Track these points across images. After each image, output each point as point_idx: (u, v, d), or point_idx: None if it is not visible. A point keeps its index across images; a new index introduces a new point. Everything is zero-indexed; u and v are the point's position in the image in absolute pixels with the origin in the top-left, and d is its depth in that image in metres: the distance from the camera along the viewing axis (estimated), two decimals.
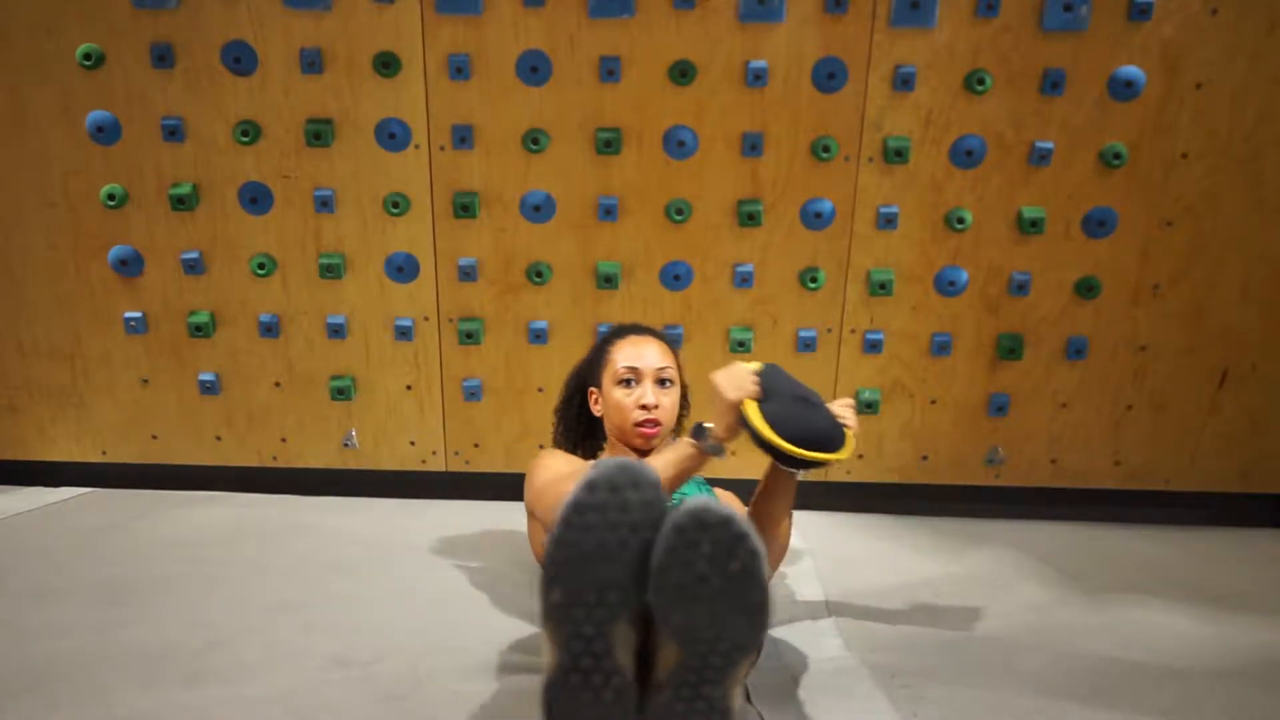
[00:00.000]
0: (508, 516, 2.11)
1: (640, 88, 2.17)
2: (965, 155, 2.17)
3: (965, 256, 2.26)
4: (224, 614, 1.56)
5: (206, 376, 2.38)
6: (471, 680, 1.30)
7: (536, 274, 2.29)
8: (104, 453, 2.48)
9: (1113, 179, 2.19)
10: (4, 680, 1.28)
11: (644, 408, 1.64)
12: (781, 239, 2.27)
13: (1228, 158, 2.17)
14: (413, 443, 2.44)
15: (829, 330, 2.33)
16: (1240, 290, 2.26)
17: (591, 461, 1.80)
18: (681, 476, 1.43)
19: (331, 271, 2.28)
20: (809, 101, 2.17)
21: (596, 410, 1.77)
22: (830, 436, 1.41)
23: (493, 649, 1.43)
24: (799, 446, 1.37)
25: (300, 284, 2.32)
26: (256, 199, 2.25)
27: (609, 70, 2.14)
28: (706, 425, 1.42)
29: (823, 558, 2.02)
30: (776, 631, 1.58)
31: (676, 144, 2.19)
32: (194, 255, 2.29)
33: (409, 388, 2.40)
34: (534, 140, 2.19)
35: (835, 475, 2.41)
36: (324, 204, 2.24)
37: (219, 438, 2.45)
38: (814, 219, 2.23)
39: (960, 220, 2.21)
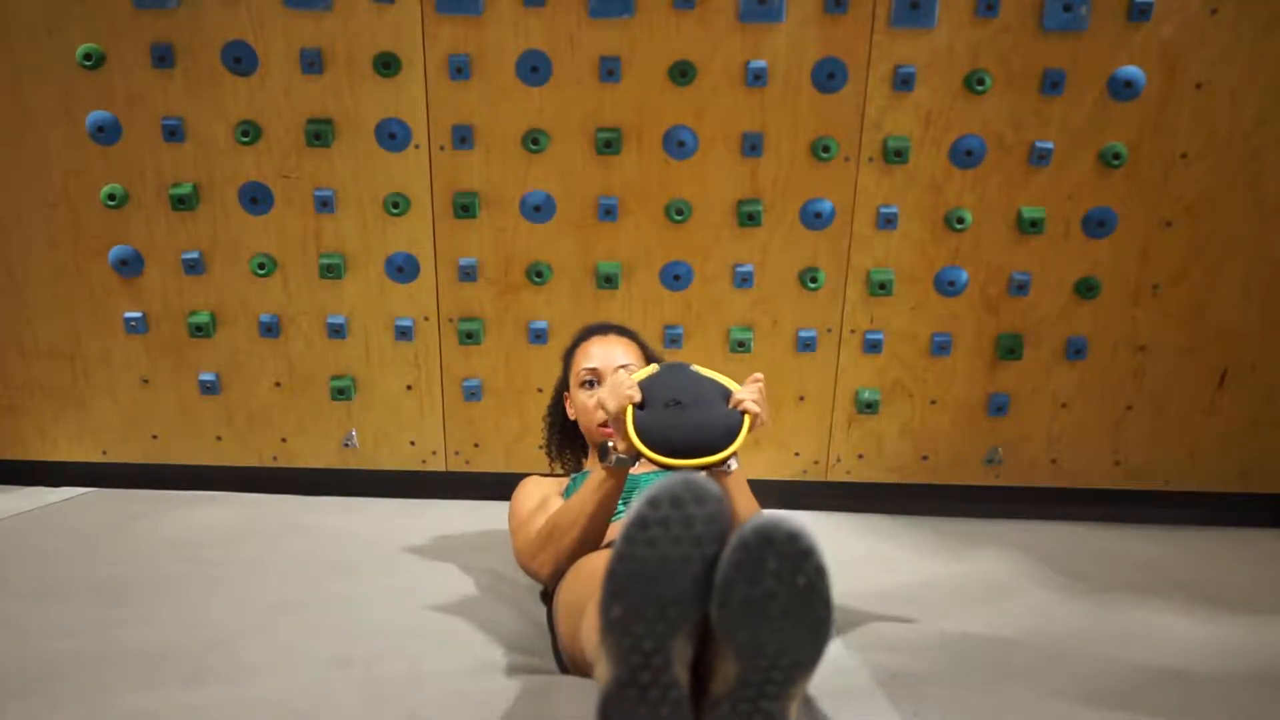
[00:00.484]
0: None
1: (640, 88, 2.17)
2: (965, 155, 2.17)
3: (965, 256, 2.26)
4: (224, 614, 1.56)
5: (207, 376, 2.38)
6: (471, 680, 1.30)
7: (536, 274, 2.29)
8: (104, 453, 2.48)
9: (1113, 179, 2.19)
10: (4, 680, 1.28)
11: (601, 446, 1.65)
12: (781, 239, 2.27)
13: (1228, 158, 2.17)
14: (413, 443, 2.44)
15: (829, 330, 2.33)
16: (1240, 290, 2.26)
17: (563, 480, 1.82)
18: (604, 502, 1.45)
19: (332, 271, 2.28)
20: (809, 101, 2.17)
21: (571, 414, 1.79)
22: (701, 441, 1.37)
23: (493, 649, 1.43)
24: (665, 454, 1.35)
25: (300, 284, 2.32)
26: (257, 199, 2.25)
27: (609, 70, 2.14)
28: (611, 443, 1.44)
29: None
30: None
31: (676, 144, 2.19)
32: (194, 255, 2.29)
33: (409, 388, 2.40)
34: (534, 140, 2.19)
35: (835, 475, 2.41)
36: (324, 204, 2.24)
37: (219, 438, 2.45)
38: (814, 219, 2.23)
39: (960, 220, 2.21)
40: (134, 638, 1.44)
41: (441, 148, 2.22)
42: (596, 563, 1.33)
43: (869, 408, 2.36)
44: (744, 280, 2.28)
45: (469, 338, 2.33)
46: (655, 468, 1.62)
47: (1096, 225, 2.21)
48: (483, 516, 2.20)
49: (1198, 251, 2.24)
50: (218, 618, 1.54)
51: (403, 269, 2.29)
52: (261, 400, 2.42)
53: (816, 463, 2.42)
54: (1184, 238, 2.23)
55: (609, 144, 2.18)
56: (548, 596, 1.58)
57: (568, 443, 1.89)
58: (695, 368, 1.49)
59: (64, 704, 1.22)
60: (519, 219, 2.26)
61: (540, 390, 2.38)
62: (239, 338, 2.37)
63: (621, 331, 1.80)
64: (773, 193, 2.23)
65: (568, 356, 1.81)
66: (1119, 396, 2.35)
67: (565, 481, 1.79)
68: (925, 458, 2.41)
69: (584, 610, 1.24)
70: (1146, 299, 2.27)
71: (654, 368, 1.49)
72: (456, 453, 2.45)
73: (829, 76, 2.13)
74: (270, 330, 2.35)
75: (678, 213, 2.23)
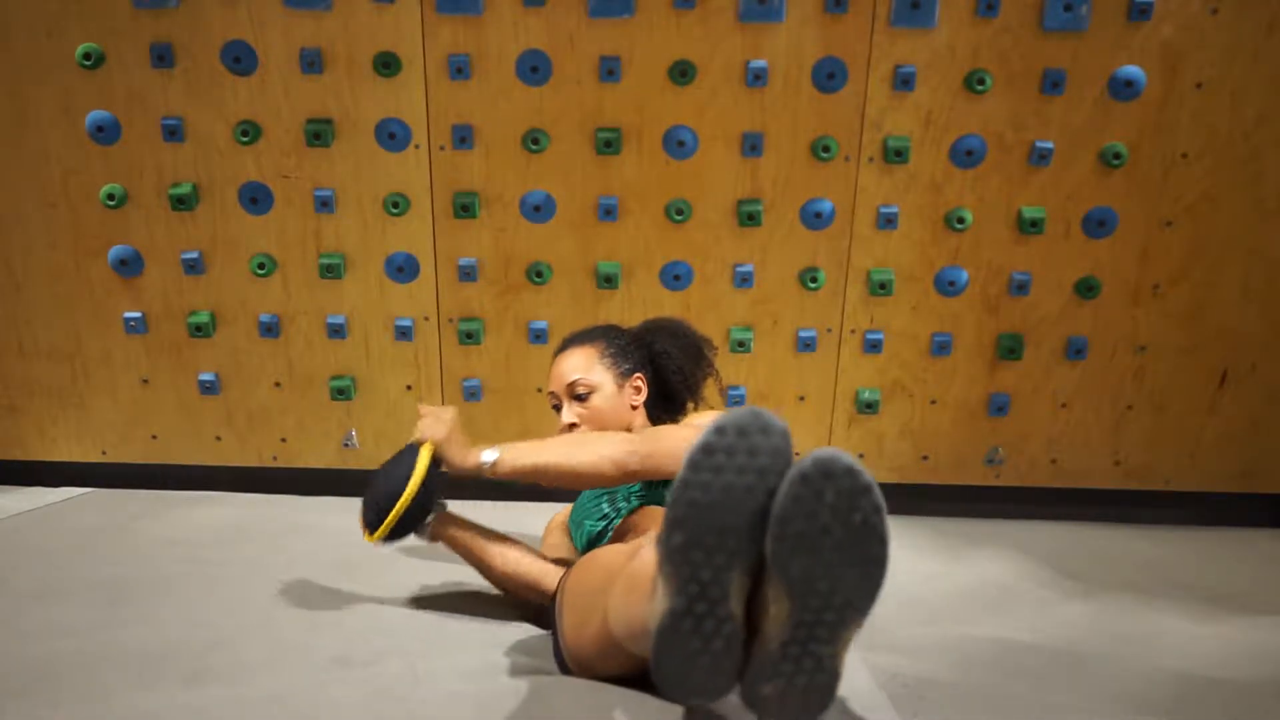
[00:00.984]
0: (508, 517, 2.11)
1: (640, 88, 2.17)
2: (965, 155, 2.17)
3: (965, 256, 2.26)
4: (224, 614, 1.56)
5: (206, 376, 2.38)
6: (471, 680, 1.30)
7: (536, 274, 2.29)
8: (104, 453, 2.48)
9: (1113, 179, 2.19)
10: (4, 680, 1.28)
11: (563, 430, 1.69)
12: (781, 239, 2.27)
13: (1228, 158, 2.17)
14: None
15: (829, 330, 2.33)
16: (1240, 290, 2.26)
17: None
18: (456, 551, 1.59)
19: (331, 271, 2.28)
20: (809, 101, 2.17)
21: None
22: (392, 488, 1.48)
23: (493, 649, 1.43)
24: (370, 531, 1.48)
25: (300, 284, 2.32)
26: (256, 199, 2.25)
27: (609, 70, 2.14)
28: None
29: None
30: None
31: (676, 144, 2.19)
32: (194, 255, 2.29)
33: (409, 388, 2.40)
34: (534, 140, 2.19)
35: None
36: (324, 204, 2.24)
37: (219, 438, 2.45)
38: (814, 219, 2.23)
39: (960, 220, 2.21)
40: (134, 638, 1.44)
41: (441, 147, 2.22)
42: (609, 554, 1.33)
43: (869, 408, 2.36)
44: (744, 280, 2.28)
45: (469, 338, 2.33)
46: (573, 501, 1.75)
47: (1097, 225, 2.21)
48: (482, 517, 2.19)
49: (1198, 251, 2.24)
50: (218, 618, 1.54)
51: (403, 269, 2.29)
52: (261, 400, 2.42)
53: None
54: (1184, 238, 2.23)
55: (609, 144, 2.18)
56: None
57: None
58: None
59: (64, 704, 1.22)
60: (519, 219, 2.26)
61: (540, 390, 2.38)
62: (239, 338, 2.37)
63: (584, 338, 1.78)
64: (773, 193, 2.23)
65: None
66: (1119, 396, 2.35)
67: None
68: (925, 458, 2.41)
69: (596, 599, 1.23)
70: (1147, 299, 2.27)
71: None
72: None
73: (829, 76, 2.13)
74: (270, 330, 2.35)
75: (678, 213, 2.23)
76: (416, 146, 2.22)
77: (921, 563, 2.00)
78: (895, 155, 2.16)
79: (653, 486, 1.63)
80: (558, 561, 1.56)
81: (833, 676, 0.95)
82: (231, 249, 2.30)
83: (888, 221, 2.22)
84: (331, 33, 2.14)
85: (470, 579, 1.74)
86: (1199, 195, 2.20)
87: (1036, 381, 2.34)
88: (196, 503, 2.30)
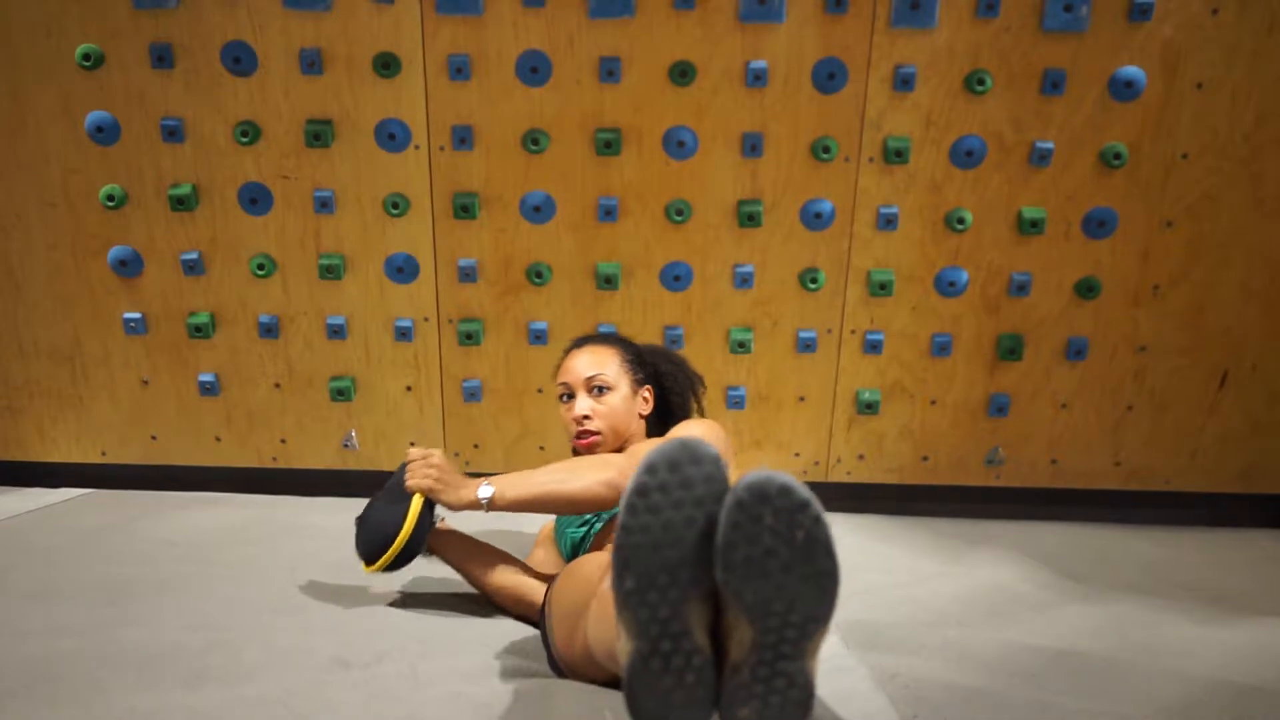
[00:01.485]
0: (507, 517, 2.11)
1: (640, 88, 2.17)
2: (965, 156, 2.17)
3: (965, 257, 2.26)
4: (224, 614, 1.56)
5: (206, 377, 2.38)
6: (471, 681, 1.30)
7: (536, 275, 2.29)
8: (104, 453, 2.47)
9: (1113, 179, 2.19)
10: (4, 680, 1.28)
11: (576, 420, 1.70)
12: (781, 240, 2.27)
13: (1228, 158, 2.17)
14: (413, 443, 2.44)
15: (829, 331, 2.33)
16: (1240, 290, 2.26)
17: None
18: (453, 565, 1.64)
19: (331, 272, 2.28)
20: (809, 102, 2.17)
21: None
22: (370, 549, 1.53)
23: (493, 649, 1.43)
24: (370, 565, 1.52)
25: (300, 285, 2.32)
26: (256, 199, 2.25)
27: (609, 71, 2.14)
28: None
29: None
30: None
31: (676, 144, 2.19)
32: (193, 256, 2.29)
33: (409, 388, 2.40)
34: (534, 141, 2.19)
35: (835, 476, 2.41)
36: (324, 205, 2.24)
37: (219, 438, 2.45)
38: (814, 219, 2.23)
39: (960, 221, 2.21)
40: (134, 638, 1.43)
41: (441, 148, 2.22)
42: (588, 566, 1.34)
43: (869, 408, 2.36)
44: (744, 281, 2.28)
45: (469, 338, 2.33)
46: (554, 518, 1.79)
47: (1097, 225, 2.21)
48: (482, 517, 2.19)
49: (1198, 252, 2.23)
50: (218, 618, 1.54)
51: (402, 270, 2.29)
52: (261, 401, 2.41)
53: (817, 463, 2.42)
54: (1184, 238, 2.23)
55: (609, 144, 2.18)
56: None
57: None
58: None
59: (63, 704, 1.21)
60: (519, 219, 2.26)
61: (540, 391, 2.38)
62: (238, 338, 2.37)
63: (599, 340, 1.81)
64: (773, 193, 2.23)
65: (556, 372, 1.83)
66: (1119, 397, 2.35)
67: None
68: (925, 458, 2.41)
69: (580, 613, 1.24)
70: (1147, 299, 2.27)
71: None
72: (456, 454, 2.45)
73: (829, 77, 2.13)
74: (270, 331, 2.35)
75: (678, 213, 2.23)
76: (416, 147, 2.22)
77: (921, 563, 2.00)
78: (895, 156, 2.16)
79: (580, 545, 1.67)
80: (540, 577, 1.60)
81: (806, 690, 0.94)
82: (231, 250, 2.30)
83: (888, 222, 2.22)
84: (331, 33, 2.14)
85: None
86: (1199, 195, 2.20)
87: (1037, 382, 2.34)
88: (196, 503, 2.30)
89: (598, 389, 1.71)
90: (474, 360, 2.37)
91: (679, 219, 2.23)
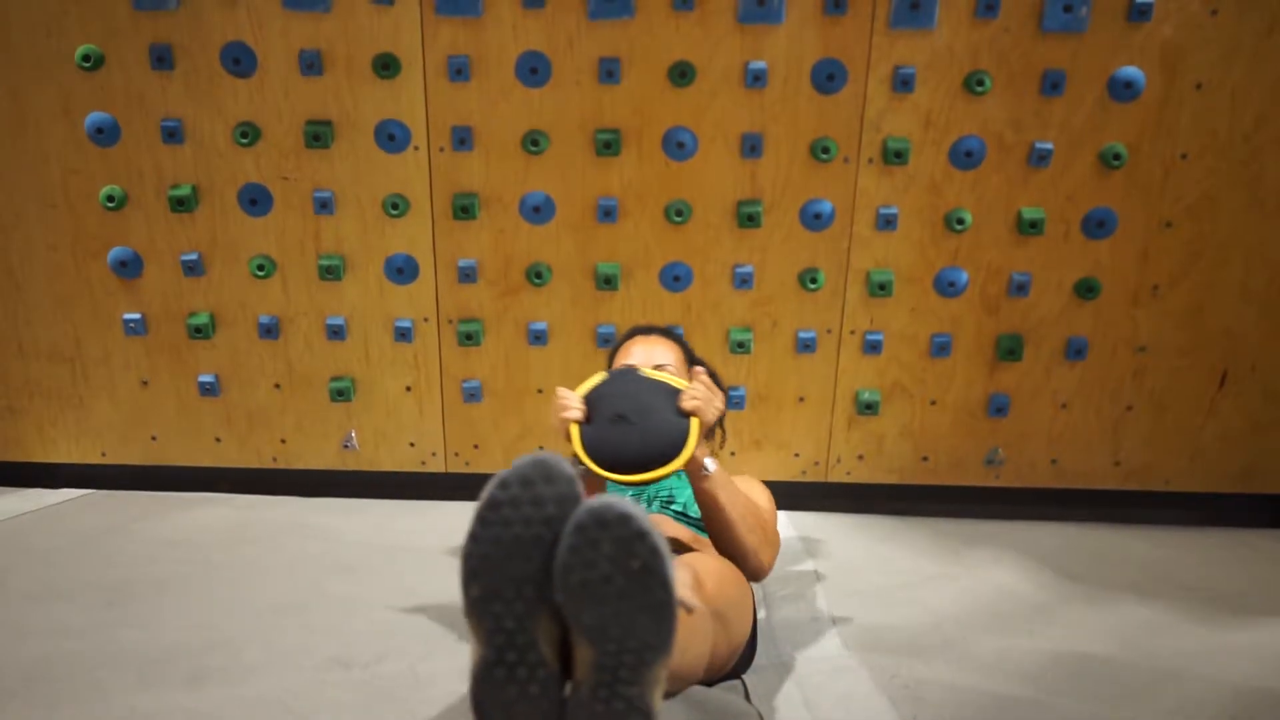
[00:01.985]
0: None
1: (640, 89, 2.17)
2: (965, 156, 2.17)
3: (965, 257, 2.26)
4: (224, 615, 1.56)
5: (206, 378, 2.38)
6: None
7: (536, 275, 2.29)
8: (104, 454, 2.48)
9: (1113, 179, 2.19)
10: (4, 680, 1.28)
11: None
12: (781, 240, 2.27)
13: (1228, 158, 2.17)
14: (412, 444, 2.44)
15: (829, 331, 2.33)
16: (1240, 291, 2.26)
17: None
18: None
19: (331, 273, 2.28)
20: (809, 103, 2.17)
21: None
22: (650, 453, 1.35)
23: None
24: (612, 471, 1.35)
25: (300, 285, 2.32)
26: (256, 200, 2.25)
27: (608, 71, 2.14)
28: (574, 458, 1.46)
29: (823, 558, 2.02)
30: (776, 631, 1.58)
31: (676, 145, 2.19)
32: (193, 257, 2.29)
33: (409, 389, 2.40)
34: (533, 141, 2.19)
35: (835, 476, 2.41)
36: (323, 205, 2.24)
37: (218, 439, 2.45)
38: (814, 220, 2.23)
39: (960, 221, 2.21)
40: (134, 638, 1.44)
41: (441, 149, 2.22)
42: None
43: (869, 408, 2.36)
44: (744, 281, 2.28)
45: (468, 339, 2.33)
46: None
47: (1096, 226, 2.21)
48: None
49: (1198, 252, 2.24)
50: (218, 618, 1.54)
51: (402, 270, 2.29)
52: (261, 401, 2.42)
53: (817, 464, 2.42)
54: (1184, 238, 2.23)
55: (608, 145, 2.18)
56: None
57: None
58: (643, 371, 1.47)
59: (63, 704, 1.21)
60: (518, 220, 2.26)
61: (540, 391, 2.38)
62: (238, 339, 2.37)
63: (665, 333, 1.80)
64: (772, 194, 2.23)
65: (612, 355, 1.81)
66: (1119, 397, 2.35)
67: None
68: (925, 458, 2.41)
69: None
70: (1146, 300, 2.27)
71: (600, 377, 1.47)
72: (456, 454, 2.45)
73: (829, 77, 2.13)
74: (269, 332, 2.35)
75: (677, 214, 2.23)
76: (416, 148, 2.22)
77: (921, 564, 2.00)
78: (895, 156, 2.16)
79: (667, 505, 1.64)
80: None
81: (644, 716, 0.94)
82: (231, 250, 2.30)
83: (887, 222, 2.22)
84: (331, 34, 2.14)
85: None
86: (1199, 196, 2.20)
87: (1036, 382, 2.34)
88: (196, 504, 2.30)
89: None
90: (474, 361, 2.37)
91: (679, 219, 2.23)
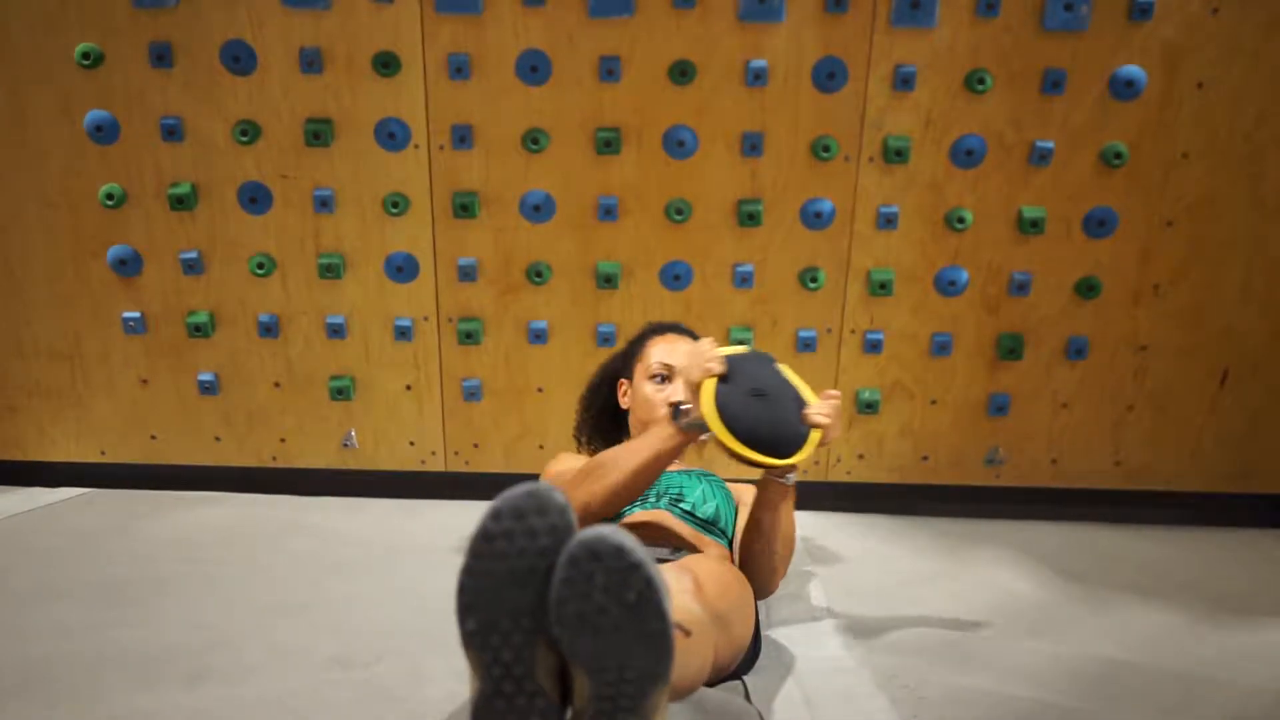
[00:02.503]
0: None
1: (640, 87, 2.16)
2: (965, 155, 2.17)
3: (965, 256, 2.26)
4: (224, 614, 1.56)
5: (206, 376, 2.38)
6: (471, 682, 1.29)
7: (536, 274, 2.29)
8: (103, 453, 2.47)
9: (1113, 179, 2.19)
10: (3, 680, 1.28)
11: (671, 404, 1.62)
12: (781, 239, 2.26)
13: (1228, 158, 2.17)
14: (412, 443, 2.44)
15: (829, 330, 2.33)
16: (1240, 290, 2.26)
17: None
18: (661, 457, 1.43)
19: (331, 271, 2.28)
20: (809, 101, 2.16)
21: (624, 402, 1.78)
22: (776, 440, 1.36)
23: None
24: (739, 440, 1.33)
25: (300, 284, 2.32)
26: (256, 199, 2.24)
27: (609, 70, 2.13)
28: (685, 405, 1.42)
29: (823, 558, 2.02)
30: (776, 631, 1.58)
31: (676, 144, 2.19)
32: (193, 255, 2.28)
33: (408, 388, 2.40)
34: (534, 140, 2.18)
35: (836, 475, 2.41)
36: (323, 204, 2.24)
37: (218, 438, 2.45)
38: (814, 219, 2.23)
39: (960, 220, 2.21)
40: (133, 638, 1.43)
41: (441, 147, 2.21)
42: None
43: (869, 408, 2.36)
44: (744, 280, 2.28)
45: (468, 338, 2.32)
46: (682, 465, 1.63)
47: (1097, 225, 2.21)
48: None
49: (1198, 251, 2.23)
50: (217, 618, 1.54)
51: (402, 269, 2.29)
52: (260, 400, 2.41)
53: (817, 463, 2.41)
54: (1184, 238, 2.23)
55: (609, 144, 2.18)
56: None
57: (602, 430, 1.86)
58: (779, 366, 1.48)
59: (63, 704, 1.21)
60: (519, 219, 2.26)
61: (540, 390, 2.38)
62: (238, 338, 2.36)
63: (685, 332, 1.80)
64: (773, 192, 2.23)
65: (635, 347, 1.80)
66: (1119, 396, 2.34)
67: None
68: (925, 458, 2.41)
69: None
70: (1147, 299, 2.27)
71: (742, 348, 1.47)
72: (456, 453, 2.44)
73: (829, 76, 2.13)
74: (269, 330, 2.34)
75: (678, 213, 2.23)
76: (416, 146, 2.21)
77: (921, 563, 2.00)
78: (895, 155, 2.16)
79: (675, 503, 1.64)
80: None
81: None
82: (231, 249, 2.30)
83: (888, 221, 2.22)
84: (331, 32, 2.14)
85: None
86: (1199, 195, 2.19)
87: (1037, 382, 2.34)
88: (196, 503, 2.30)
89: None
90: (474, 360, 2.37)
91: (679, 218, 2.23)
